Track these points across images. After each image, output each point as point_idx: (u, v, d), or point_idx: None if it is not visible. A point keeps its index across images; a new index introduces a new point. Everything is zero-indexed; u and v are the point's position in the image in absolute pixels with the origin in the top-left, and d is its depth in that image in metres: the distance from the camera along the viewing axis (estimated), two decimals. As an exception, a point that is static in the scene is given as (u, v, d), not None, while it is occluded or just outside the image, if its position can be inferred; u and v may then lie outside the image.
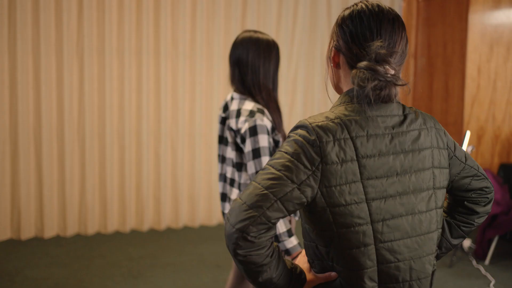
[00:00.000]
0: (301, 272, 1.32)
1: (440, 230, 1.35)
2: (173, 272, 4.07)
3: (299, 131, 1.25)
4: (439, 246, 1.47)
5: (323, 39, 5.58)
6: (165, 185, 5.14)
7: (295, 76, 5.56)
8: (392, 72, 1.24)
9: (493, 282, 3.95)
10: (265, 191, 1.18)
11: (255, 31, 2.40)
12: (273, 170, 1.21)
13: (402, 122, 1.29)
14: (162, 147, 5.10)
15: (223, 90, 5.28)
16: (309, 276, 1.33)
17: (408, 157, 1.27)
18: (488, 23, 5.22)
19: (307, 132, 1.23)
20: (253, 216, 1.17)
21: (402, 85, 1.25)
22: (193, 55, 5.13)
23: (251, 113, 2.22)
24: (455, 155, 1.39)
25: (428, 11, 5.64)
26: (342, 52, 1.32)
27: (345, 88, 1.35)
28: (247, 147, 2.18)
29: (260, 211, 1.17)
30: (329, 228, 1.23)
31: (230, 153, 2.35)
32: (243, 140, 2.21)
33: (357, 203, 1.21)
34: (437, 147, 1.33)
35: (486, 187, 1.46)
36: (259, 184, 1.20)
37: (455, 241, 1.50)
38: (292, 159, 1.21)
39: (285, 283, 1.28)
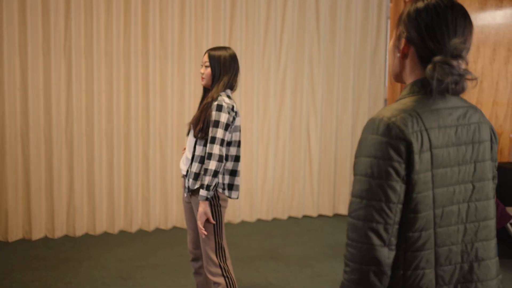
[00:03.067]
0: None
1: (494, 219, 1.42)
2: (163, 273, 4.06)
3: (382, 130, 1.28)
4: None
5: (311, 40, 5.60)
6: (154, 186, 5.13)
7: (283, 78, 5.58)
8: (464, 66, 1.32)
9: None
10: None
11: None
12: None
13: (464, 115, 1.36)
14: (151, 148, 5.08)
15: (211, 91, 5.27)
16: None
17: (469, 148, 1.35)
18: (474, 24, 5.26)
19: (389, 128, 1.27)
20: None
21: (474, 79, 1.32)
22: (181, 57, 5.13)
23: None
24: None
25: (415, 12, 5.68)
26: (414, 44, 1.36)
27: (408, 79, 1.40)
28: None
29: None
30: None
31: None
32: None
33: (426, 190, 1.28)
34: (490, 140, 1.42)
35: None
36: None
37: None
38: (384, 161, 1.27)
39: None
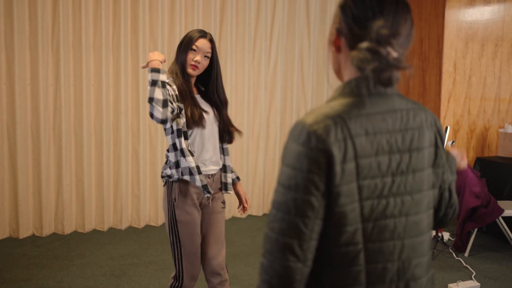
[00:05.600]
0: None
1: (430, 232, 1.31)
2: (156, 270, 4.00)
3: (302, 139, 1.17)
4: None
5: (301, 34, 5.57)
6: (144, 182, 5.06)
7: (274, 72, 5.55)
8: (395, 54, 1.16)
9: (474, 274, 4.03)
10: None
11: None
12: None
13: (402, 119, 1.23)
14: (141, 143, 5.01)
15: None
16: None
17: (405, 157, 1.22)
18: (463, 20, 5.31)
19: (309, 138, 1.15)
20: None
21: (404, 68, 1.17)
22: (171, 50, 5.05)
23: None
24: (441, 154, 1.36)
25: (404, 7, 5.71)
26: (344, 34, 1.24)
27: (346, 75, 1.27)
28: None
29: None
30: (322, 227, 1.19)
31: None
32: None
33: (350, 203, 1.16)
34: (434, 146, 1.29)
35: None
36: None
37: None
38: (303, 174, 1.15)
39: None
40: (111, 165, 4.97)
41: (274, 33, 5.50)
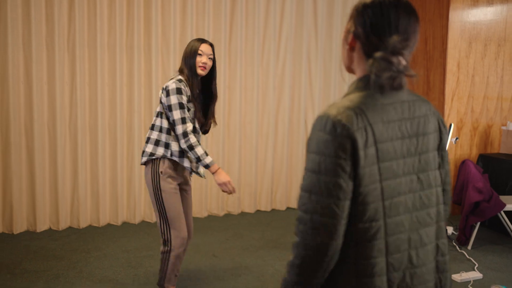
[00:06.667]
0: None
1: (441, 205, 1.49)
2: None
3: (329, 128, 1.32)
4: None
5: (309, 35, 5.72)
6: (156, 178, 5.21)
7: (282, 72, 5.70)
8: (404, 63, 1.35)
9: (476, 265, 4.17)
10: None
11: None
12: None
13: (409, 109, 1.42)
14: (153, 141, 5.16)
15: (212, 85, 5.38)
16: None
17: (414, 141, 1.40)
18: (467, 21, 5.45)
19: (335, 126, 1.31)
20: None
21: (412, 76, 1.36)
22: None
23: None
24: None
25: (409, 8, 5.85)
26: (360, 39, 1.41)
27: (357, 71, 1.46)
28: None
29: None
30: (352, 206, 1.35)
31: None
32: None
33: (373, 183, 1.33)
34: (438, 131, 1.48)
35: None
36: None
37: None
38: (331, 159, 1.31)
39: None
40: (125, 161, 5.13)
41: (283, 35, 5.65)
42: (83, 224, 5.02)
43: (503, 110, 5.69)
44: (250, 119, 5.57)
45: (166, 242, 3.05)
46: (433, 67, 5.61)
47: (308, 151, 1.36)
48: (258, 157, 5.69)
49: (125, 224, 5.18)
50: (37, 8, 4.67)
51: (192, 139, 2.92)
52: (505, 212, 4.82)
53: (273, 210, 5.83)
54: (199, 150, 2.91)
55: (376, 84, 1.35)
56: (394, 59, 1.33)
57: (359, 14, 1.41)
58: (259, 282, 3.79)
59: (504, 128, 5.40)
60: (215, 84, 3.18)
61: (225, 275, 3.91)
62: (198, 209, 5.48)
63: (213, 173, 2.98)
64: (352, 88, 1.43)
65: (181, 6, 5.19)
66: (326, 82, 5.85)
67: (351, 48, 1.45)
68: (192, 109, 3.01)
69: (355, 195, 1.32)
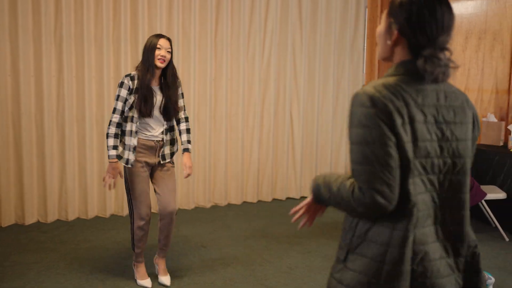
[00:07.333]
0: None
1: (467, 194, 1.58)
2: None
3: (369, 103, 1.42)
4: None
5: (294, 29, 5.79)
6: (144, 170, 5.25)
7: (267, 64, 5.76)
8: (449, 55, 1.48)
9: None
10: None
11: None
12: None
13: (445, 97, 1.50)
14: (141, 133, 5.19)
15: (198, 78, 5.42)
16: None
17: (449, 127, 1.49)
18: (463, 14, 5.56)
19: (374, 101, 1.41)
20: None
21: (456, 67, 1.49)
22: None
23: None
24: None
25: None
26: (406, 35, 1.48)
27: (395, 59, 1.55)
28: None
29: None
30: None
31: None
32: None
33: (409, 160, 1.42)
34: (472, 123, 1.57)
35: None
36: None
37: None
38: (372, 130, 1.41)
39: None
40: (112, 154, 5.15)
41: (268, 28, 5.71)
42: (71, 216, 5.05)
43: (483, 101, 5.83)
44: (236, 111, 5.64)
45: (130, 215, 3.54)
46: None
47: (351, 126, 1.45)
48: (244, 148, 5.76)
49: (113, 216, 5.21)
50: (24, 1, 4.66)
51: (110, 129, 3.34)
52: (486, 201, 4.97)
53: (259, 201, 5.91)
54: (109, 141, 3.34)
55: (430, 79, 1.45)
56: (442, 55, 1.45)
57: (404, 10, 1.48)
58: (248, 271, 3.87)
59: (484, 119, 5.54)
60: (171, 76, 3.42)
61: (214, 265, 3.98)
62: (185, 201, 5.53)
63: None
64: (391, 71, 1.52)
65: (168, 0, 5.22)
66: (311, 74, 5.93)
67: (394, 44, 1.52)
68: (130, 100, 3.32)
69: (401, 166, 1.41)
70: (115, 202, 5.24)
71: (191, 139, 3.58)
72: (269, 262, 4.05)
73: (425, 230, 1.47)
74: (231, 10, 5.52)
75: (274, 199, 5.99)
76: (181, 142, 3.57)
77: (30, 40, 4.75)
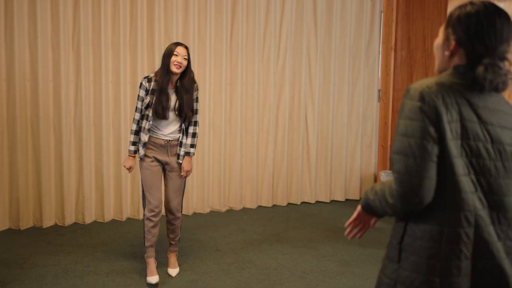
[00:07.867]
0: None
1: None
2: (178, 257, 4.23)
3: (418, 97, 1.47)
4: None
5: (309, 33, 5.81)
6: (160, 174, 5.29)
7: (282, 69, 5.78)
8: (508, 66, 1.52)
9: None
10: None
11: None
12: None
13: (494, 101, 1.54)
14: (157, 137, 5.24)
15: (214, 81, 5.46)
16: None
17: (500, 131, 1.52)
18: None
19: (423, 96, 1.46)
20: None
21: None
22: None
23: None
24: None
25: (408, 6, 5.93)
26: (464, 46, 1.53)
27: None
28: None
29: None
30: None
31: None
32: None
33: (458, 157, 1.46)
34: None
35: None
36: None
37: None
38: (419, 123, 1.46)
39: None
40: (129, 158, 5.21)
41: (283, 32, 5.73)
42: (88, 219, 5.11)
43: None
44: (251, 115, 5.66)
45: (143, 207, 3.78)
46: (432, 65, 5.70)
47: (400, 117, 1.52)
48: (259, 152, 5.78)
49: (129, 219, 5.27)
50: (43, 7, 4.74)
51: (132, 126, 3.70)
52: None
53: (274, 205, 5.93)
54: (130, 137, 3.72)
55: (490, 88, 1.49)
56: (502, 65, 1.49)
57: (462, 23, 1.52)
58: (262, 275, 3.89)
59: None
60: (188, 81, 3.66)
61: (229, 268, 4.00)
62: (201, 205, 5.57)
63: None
64: (446, 73, 1.55)
65: (184, 4, 5.27)
66: (326, 78, 5.94)
67: (451, 54, 1.56)
68: (146, 100, 3.61)
69: (443, 164, 1.46)
70: (131, 206, 5.30)
71: (196, 143, 3.77)
72: (284, 266, 4.07)
73: (473, 230, 1.50)
74: (246, 14, 5.56)
75: (289, 203, 6.00)
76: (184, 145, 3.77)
77: (49, 46, 4.83)
